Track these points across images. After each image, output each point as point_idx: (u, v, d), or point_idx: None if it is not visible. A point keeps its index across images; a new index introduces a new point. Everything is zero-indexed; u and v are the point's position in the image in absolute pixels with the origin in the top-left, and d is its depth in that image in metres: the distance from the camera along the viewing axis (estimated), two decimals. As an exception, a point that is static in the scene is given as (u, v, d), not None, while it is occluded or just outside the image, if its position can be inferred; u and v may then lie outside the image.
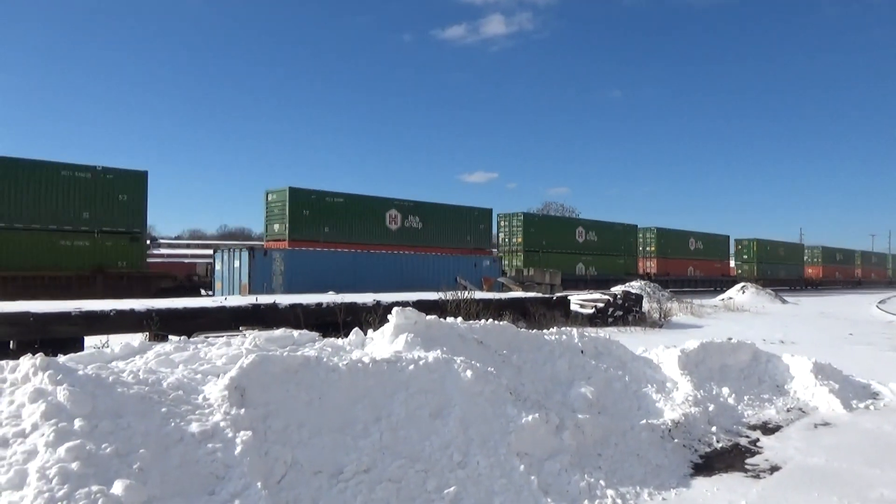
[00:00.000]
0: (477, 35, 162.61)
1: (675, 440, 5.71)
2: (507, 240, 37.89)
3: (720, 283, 47.73)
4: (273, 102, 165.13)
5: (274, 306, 11.58)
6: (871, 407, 7.70)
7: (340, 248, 23.30)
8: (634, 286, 27.45)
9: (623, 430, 5.55)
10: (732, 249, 57.24)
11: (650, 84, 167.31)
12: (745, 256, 57.87)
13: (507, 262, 35.81)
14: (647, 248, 46.66)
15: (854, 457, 5.62)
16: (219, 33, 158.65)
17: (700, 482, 4.95)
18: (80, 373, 3.93)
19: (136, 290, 19.88)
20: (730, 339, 9.52)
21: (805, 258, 66.39)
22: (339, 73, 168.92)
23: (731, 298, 31.34)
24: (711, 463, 5.45)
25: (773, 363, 8.68)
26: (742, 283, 35.58)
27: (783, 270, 59.52)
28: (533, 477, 4.42)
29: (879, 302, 37.14)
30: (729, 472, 5.20)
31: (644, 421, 5.82)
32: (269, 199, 26.70)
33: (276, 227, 26.24)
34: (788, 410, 7.44)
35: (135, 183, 21.77)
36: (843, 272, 71.36)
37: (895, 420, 7.03)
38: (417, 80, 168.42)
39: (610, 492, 4.51)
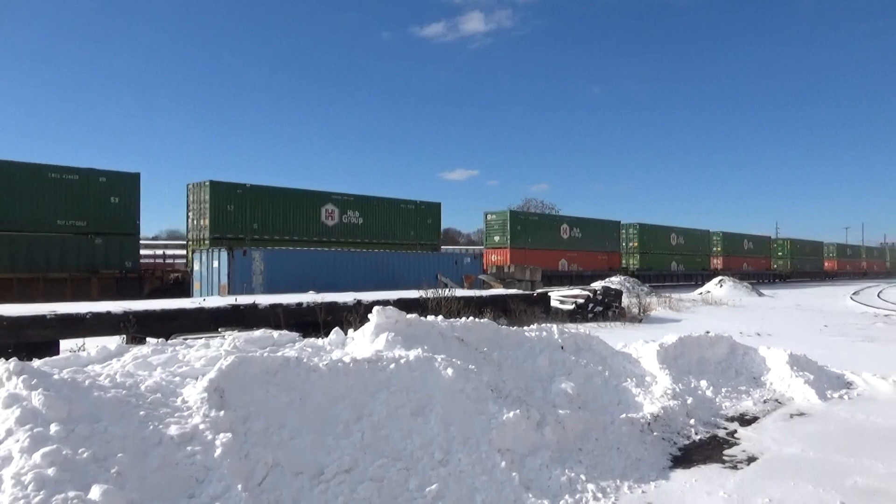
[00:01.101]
0: (456, 32, 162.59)
1: (655, 433, 5.78)
2: (625, 244, 42.38)
3: (702, 276, 47.74)
4: (253, 99, 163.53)
5: (254, 307, 11.50)
6: (846, 396, 7.85)
7: (271, 246, 22.50)
8: (614, 282, 27.67)
9: (603, 424, 5.61)
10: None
11: (630, 79, 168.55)
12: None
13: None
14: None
15: (829, 446, 5.73)
16: (194, 28, 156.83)
17: (679, 474, 5.01)
18: (56, 377, 3.88)
19: (129, 291, 20.00)
20: (707, 332, 9.65)
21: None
22: (318, 70, 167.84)
23: (709, 292, 31.72)
24: (690, 455, 5.53)
25: (749, 355, 8.81)
26: (720, 277, 36.00)
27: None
28: (514, 473, 4.45)
29: (853, 293, 37.84)
30: (707, 464, 5.28)
31: (624, 415, 5.89)
32: (489, 219, 31.92)
33: (497, 238, 31.47)
34: (765, 402, 7.56)
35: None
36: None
37: (868, 409, 7.18)
38: (397, 78, 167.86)
39: (590, 486, 4.56)
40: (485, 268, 27.42)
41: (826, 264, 74.90)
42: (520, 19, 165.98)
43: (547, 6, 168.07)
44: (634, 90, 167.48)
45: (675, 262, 50.14)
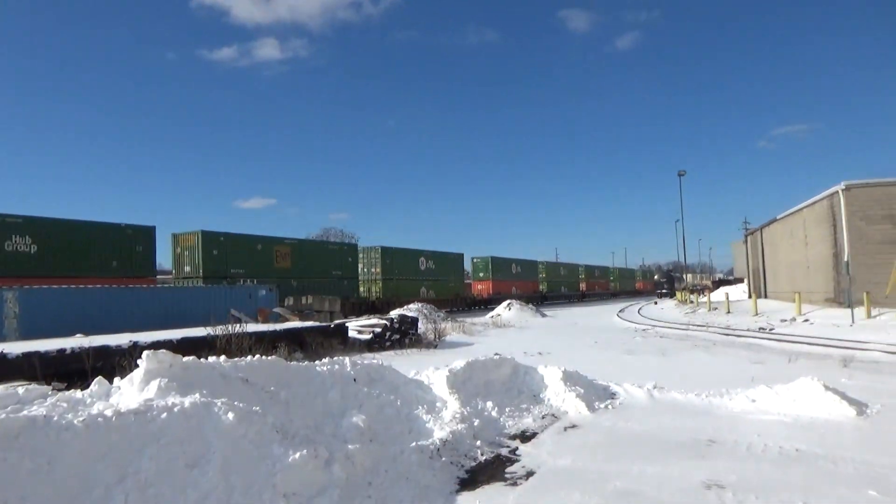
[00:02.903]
0: (249, 58, 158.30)
1: (444, 458, 5.94)
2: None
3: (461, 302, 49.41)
4: (12, 125, 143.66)
5: (1, 357, 9.93)
6: (610, 406, 8.73)
7: (83, 285, 20.23)
8: (412, 309, 28.37)
9: (393, 455, 5.64)
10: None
11: (421, 111, 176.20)
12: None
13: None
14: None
15: (596, 454, 6.31)
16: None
17: (464, 497, 5.18)
18: None
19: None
20: (496, 354, 10.22)
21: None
22: (95, 89, 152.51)
23: (499, 315, 33.83)
24: (476, 476, 5.75)
25: (530, 374, 9.47)
26: (508, 301, 38.59)
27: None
28: (300, 517, 4.29)
29: (619, 311, 42.73)
30: (491, 483, 5.52)
31: (414, 443, 5.97)
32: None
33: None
34: (543, 417, 8.15)
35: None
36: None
37: (628, 416, 8.05)
38: (184, 101, 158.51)
39: (379, 520, 4.53)
40: (281, 302, 26.47)
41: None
42: (316, 49, 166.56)
43: (342, 38, 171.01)
44: (426, 124, 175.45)
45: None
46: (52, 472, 3.83)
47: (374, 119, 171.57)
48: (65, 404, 4.88)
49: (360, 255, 41.52)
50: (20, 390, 5.10)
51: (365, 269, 41.59)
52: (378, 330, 18.44)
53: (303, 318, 20.92)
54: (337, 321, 19.64)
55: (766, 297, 38.61)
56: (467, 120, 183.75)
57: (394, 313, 22.39)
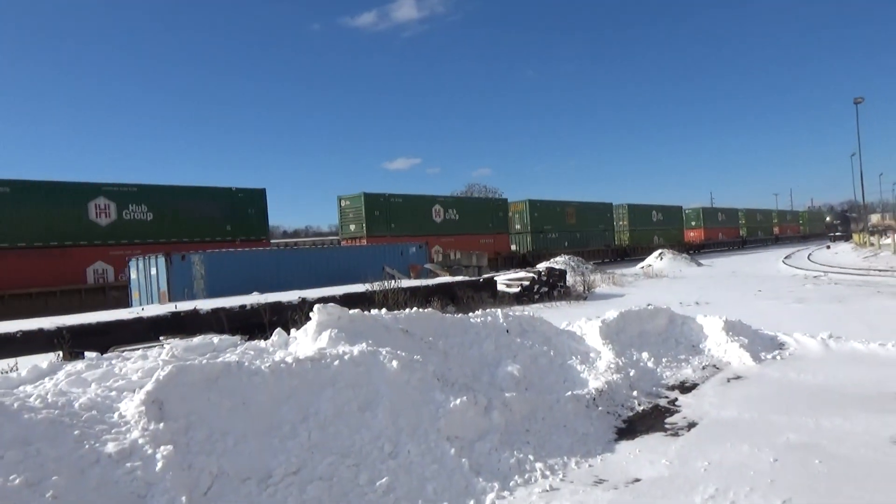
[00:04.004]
0: (388, 21, 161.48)
1: (600, 408, 5.94)
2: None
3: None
4: (179, 98, 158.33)
5: (195, 312, 11.23)
6: (778, 357, 8.22)
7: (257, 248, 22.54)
8: (559, 261, 28.13)
9: (549, 403, 5.72)
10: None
11: (562, 60, 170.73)
12: (693, 223, 62.35)
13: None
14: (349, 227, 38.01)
15: (763, 406, 6.00)
16: (110, 25, 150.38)
17: (624, 446, 5.17)
18: (-20, 403, 3.72)
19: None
20: (649, 305, 9.93)
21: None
22: (248, 64, 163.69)
23: (650, 266, 32.61)
24: (634, 426, 5.70)
25: (687, 325, 9.12)
26: (660, 250, 37.02)
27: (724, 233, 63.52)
28: (464, 459, 4.51)
29: (785, 257, 39.56)
30: (650, 433, 5.46)
31: (569, 393, 6.02)
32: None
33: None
34: (704, 368, 7.85)
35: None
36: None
37: (799, 367, 7.54)
38: (331, 71, 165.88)
39: (539, 465, 4.66)
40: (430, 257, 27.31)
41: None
42: (452, 4, 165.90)
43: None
44: (567, 70, 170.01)
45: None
46: (246, 410, 4.32)
47: (513, 70, 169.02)
48: (252, 352, 5.46)
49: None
50: (215, 340, 5.76)
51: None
52: (526, 283, 18.54)
53: (452, 273, 21.50)
54: (485, 275, 19.98)
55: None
56: (609, 65, 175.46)
57: (541, 266, 22.35)
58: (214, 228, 25.38)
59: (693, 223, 62.47)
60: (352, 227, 31.83)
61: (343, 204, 31.97)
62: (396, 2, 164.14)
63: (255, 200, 26.87)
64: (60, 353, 9.68)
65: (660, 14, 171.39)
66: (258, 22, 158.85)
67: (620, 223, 50.99)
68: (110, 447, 3.65)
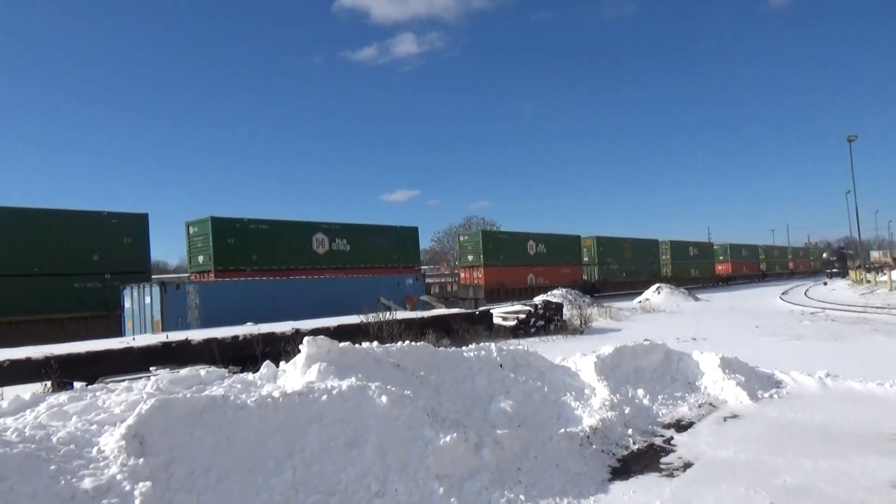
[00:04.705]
0: (388, 56, 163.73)
1: (594, 446, 5.82)
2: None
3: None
4: (181, 130, 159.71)
5: (186, 343, 11.10)
6: (775, 395, 8.11)
7: (267, 276, 22.52)
8: (556, 295, 28.05)
9: (542, 441, 5.61)
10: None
11: (557, 94, 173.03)
12: (721, 257, 68.82)
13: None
14: (467, 257, 42.06)
15: (760, 446, 5.88)
16: (119, 57, 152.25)
17: (617, 486, 5.04)
18: (-45, 436, 3.62)
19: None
20: (645, 340, 9.85)
21: (717, 255, 71.30)
22: (248, 97, 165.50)
23: (647, 300, 32.49)
24: (628, 466, 5.58)
25: (684, 361, 9.02)
26: (657, 285, 36.92)
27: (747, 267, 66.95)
28: (453, 499, 4.39)
29: (782, 293, 39.49)
30: (645, 474, 5.34)
31: (563, 430, 5.90)
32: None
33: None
34: (700, 406, 7.73)
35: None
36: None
37: (796, 406, 7.42)
38: (332, 103, 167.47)
39: (530, 505, 4.53)
40: (428, 290, 27.42)
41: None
42: (451, 40, 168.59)
43: (476, 26, 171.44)
44: (562, 104, 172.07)
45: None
46: (230, 445, 4.22)
47: (511, 104, 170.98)
48: (239, 385, 5.37)
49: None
50: (202, 372, 5.66)
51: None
52: (522, 316, 18.43)
53: (448, 306, 21.40)
54: (481, 308, 19.88)
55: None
56: (605, 98, 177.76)
57: (538, 299, 22.27)
58: (386, 258, 30.17)
59: (721, 258, 69.33)
60: (470, 257, 34.02)
61: (191, 231, 26.36)
62: (397, 37, 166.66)
63: (412, 236, 32.12)
64: (48, 383, 9.54)
65: (657, 46, 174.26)
66: (261, 54, 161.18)
67: (664, 257, 57.47)
68: (87, 483, 3.54)
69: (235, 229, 25.80)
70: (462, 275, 38.91)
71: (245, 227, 26.15)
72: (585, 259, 47.49)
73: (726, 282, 64.44)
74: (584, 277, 45.74)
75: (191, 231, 26.17)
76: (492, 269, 37.25)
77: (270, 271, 25.06)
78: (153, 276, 26.83)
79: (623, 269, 50.33)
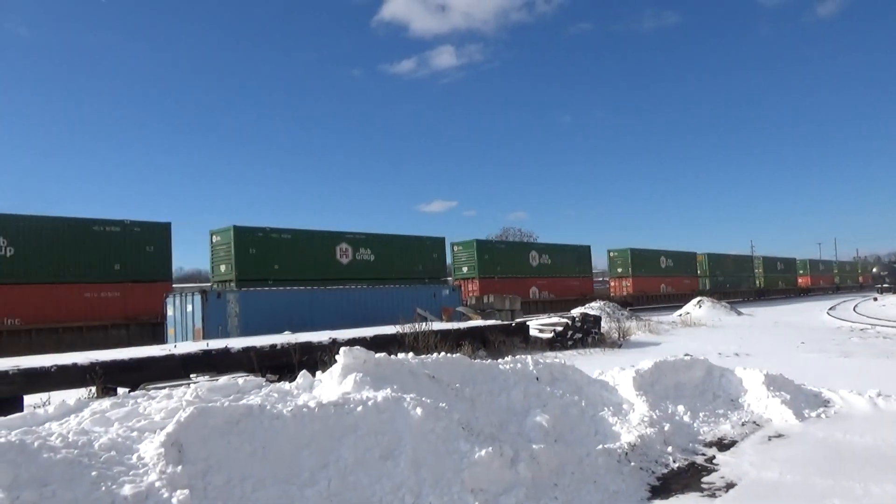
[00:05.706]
0: (427, 68, 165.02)
1: (632, 463, 5.69)
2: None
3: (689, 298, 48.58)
4: (222, 141, 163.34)
5: (226, 351, 11.28)
6: (823, 415, 7.82)
7: (290, 287, 22.54)
8: (594, 307, 27.71)
9: (579, 457, 5.51)
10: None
11: (597, 107, 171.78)
12: (801, 271, 75.98)
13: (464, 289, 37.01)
14: (617, 269, 47.55)
15: (807, 468, 5.68)
16: (164, 70, 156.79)
17: (657, 506, 4.92)
18: (2, 440, 3.71)
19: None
20: (686, 355, 9.64)
21: (798, 269, 76.27)
22: (290, 109, 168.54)
23: (688, 313, 31.85)
24: (668, 484, 5.44)
25: (726, 377, 8.78)
26: (698, 298, 36.18)
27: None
28: (488, 514, 4.33)
29: (829, 308, 38.28)
30: (685, 493, 5.19)
31: (601, 446, 5.79)
32: (214, 240, 25.58)
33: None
34: (743, 424, 7.51)
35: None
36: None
37: (845, 427, 7.15)
38: (370, 114, 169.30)
39: (566, 523, 4.44)
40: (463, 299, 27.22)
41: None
42: (490, 52, 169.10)
43: (516, 39, 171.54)
44: (602, 117, 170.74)
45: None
46: (266, 455, 4.24)
47: (549, 116, 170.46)
48: (276, 395, 5.41)
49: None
50: (240, 381, 5.73)
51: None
52: (559, 328, 18.24)
53: (484, 317, 21.31)
54: (518, 320, 19.74)
55: None
56: (644, 110, 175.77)
57: (575, 311, 22.02)
58: (411, 269, 29.63)
59: (801, 272, 76.96)
60: (464, 269, 32.87)
61: (214, 240, 25.98)
62: (435, 49, 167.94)
63: (438, 247, 31.61)
64: (92, 389, 9.78)
65: (698, 57, 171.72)
66: (301, 68, 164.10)
67: (757, 271, 65.46)
68: (126, 490, 3.59)
69: (257, 238, 25.21)
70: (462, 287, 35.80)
71: (267, 237, 25.55)
72: (619, 270, 47.18)
73: (806, 293, 72.03)
74: (623, 293, 45.63)
75: (214, 240, 25.79)
76: (488, 282, 34.36)
77: (291, 282, 23.91)
78: (193, 285, 27.19)
79: (661, 281, 49.90)
